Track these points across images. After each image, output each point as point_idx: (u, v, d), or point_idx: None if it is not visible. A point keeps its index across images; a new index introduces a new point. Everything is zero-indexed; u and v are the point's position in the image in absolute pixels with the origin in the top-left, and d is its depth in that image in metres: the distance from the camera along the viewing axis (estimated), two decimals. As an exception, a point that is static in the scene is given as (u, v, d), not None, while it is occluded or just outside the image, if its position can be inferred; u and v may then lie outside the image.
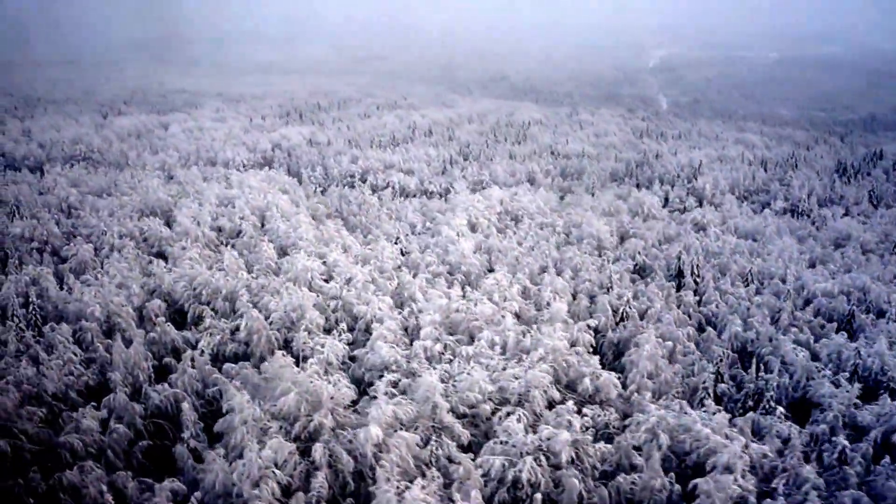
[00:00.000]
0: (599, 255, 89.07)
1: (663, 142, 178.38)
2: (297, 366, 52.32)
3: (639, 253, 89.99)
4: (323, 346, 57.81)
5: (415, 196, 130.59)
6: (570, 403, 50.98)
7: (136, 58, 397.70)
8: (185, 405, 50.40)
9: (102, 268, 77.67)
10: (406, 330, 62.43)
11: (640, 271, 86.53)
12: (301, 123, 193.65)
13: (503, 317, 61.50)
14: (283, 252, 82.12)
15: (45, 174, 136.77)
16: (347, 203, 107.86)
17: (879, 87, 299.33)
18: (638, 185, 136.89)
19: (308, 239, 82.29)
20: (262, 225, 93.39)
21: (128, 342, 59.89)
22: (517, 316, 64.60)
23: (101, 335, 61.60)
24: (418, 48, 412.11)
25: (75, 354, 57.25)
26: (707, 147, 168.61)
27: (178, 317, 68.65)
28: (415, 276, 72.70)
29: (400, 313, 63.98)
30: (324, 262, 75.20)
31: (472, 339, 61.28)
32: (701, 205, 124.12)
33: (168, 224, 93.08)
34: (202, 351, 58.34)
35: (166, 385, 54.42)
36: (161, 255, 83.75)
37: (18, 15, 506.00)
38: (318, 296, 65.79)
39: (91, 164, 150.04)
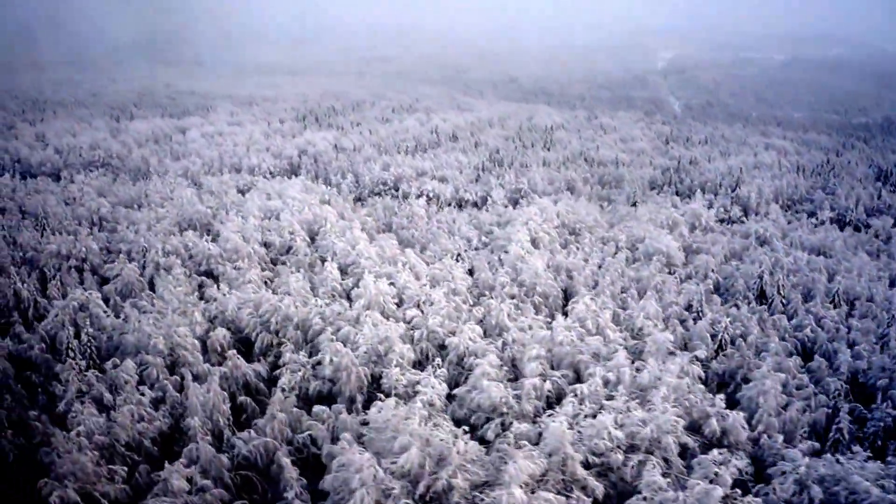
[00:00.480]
0: (671, 273, 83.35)
1: (691, 147, 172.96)
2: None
3: (712, 271, 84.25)
4: (418, 383, 51.78)
5: (449, 205, 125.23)
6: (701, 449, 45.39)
7: (138, 58, 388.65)
8: (282, 458, 44.22)
9: (153, 290, 71.16)
10: (501, 361, 56.30)
11: (717, 290, 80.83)
12: (319, 127, 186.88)
13: (615, 350, 55.42)
14: (342, 271, 75.66)
15: (68, 182, 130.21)
16: (392, 214, 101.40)
17: (890, 90, 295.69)
18: (678, 194, 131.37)
19: (370, 257, 75.81)
20: (313, 240, 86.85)
21: (199, 379, 53.66)
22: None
23: (165, 371, 55.18)
24: (423, 50, 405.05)
25: (143, 395, 50.78)
26: (738, 153, 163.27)
27: (243, 346, 62.25)
28: (499, 300, 66.29)
29: (492, 343, 57.79)
30: (391, 284, 68.88)
31: (577, 375, 55.47)
32: (746, 215, 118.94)
33: (213, 239, 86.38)
34: (284, 389, 52.08)
35: (251, 431, 48.08)
36: (209, 275, 77.24)
37: (16, 15, 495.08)
38: (399, 324, 59.41)
39: (111, 170, 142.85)
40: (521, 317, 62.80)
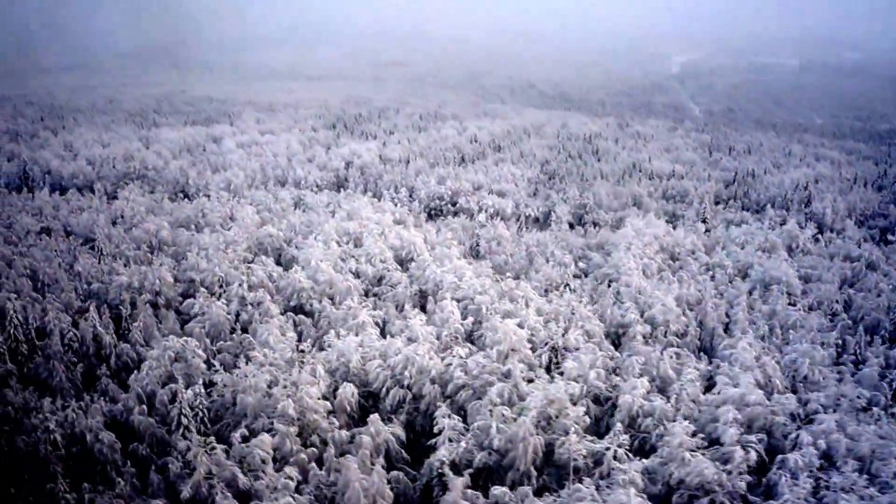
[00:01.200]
0: (792, 303, 75.06)
1: (738, 158, 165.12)
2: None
3: (835, 302, 76.03)
4: (602, 456, 43.17)
5: (507, 219, 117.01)
6: None
7: (146, 63, 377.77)
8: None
9: (245, 332, 62.06)
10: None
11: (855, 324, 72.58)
12: (351, 135, 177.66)
13: (815, 410, 47.07)
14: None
15: (103, 195, 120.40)
16: (474, 236, 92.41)
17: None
18: (745, 209, 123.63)
19: (484, 291, 66.79)
20: (404, 267, 77.76)
21: (339, 450, 44.75)
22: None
23: (297, 441, 46.18)
24: (435, 54, 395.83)
25: (290, 479, 41.73)
26: (790, 164, 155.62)
27: (368, 401, 53.36)
28: (657, 347, 57.57)
29: (667, 402, 49.18)
30: (520, 325, 60.05)
31: (770, 439, 47.08)
32: (821, 232, 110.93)
33: (286, 267, 77.16)
34: (441, 463, 43.24)
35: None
36: (301, 311, 68.07)
37: (20, 19, 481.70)
38: (557, 381, 50.56)
39: (146, 182, 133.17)
40: (682, 365, 54.14)
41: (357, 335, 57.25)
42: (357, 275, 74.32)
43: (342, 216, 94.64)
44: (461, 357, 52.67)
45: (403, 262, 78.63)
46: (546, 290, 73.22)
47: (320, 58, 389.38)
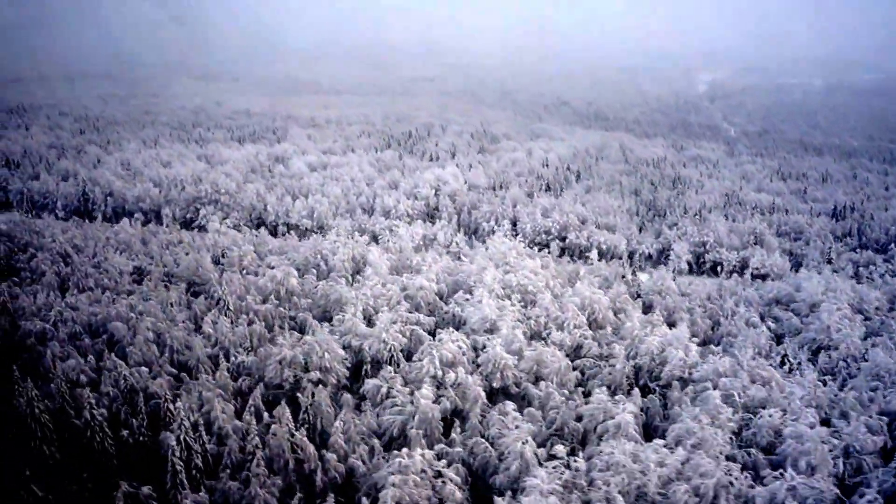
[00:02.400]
0: None
1: (819, 186, 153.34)
2: None
3: None
4: None
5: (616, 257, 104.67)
6: None
7: (171, 73, 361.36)
8: None
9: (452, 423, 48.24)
10: None
11: None
12: (411, 155, 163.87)
13: None
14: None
15: (201, 229, 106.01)
16: (632, 285, 79.11)
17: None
18: (863, 247, 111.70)
19: (724, 373, 53.41)
20: (596, 333, 64.03)
21: None
22: None
23: None
24: (462, 70, 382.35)
25: None
26: (874, 193, 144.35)
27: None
28: None
29: None
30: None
31: None
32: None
33: (458, 326, 63.30)
34: None
35: None
36: (505, 394, 54.44)
37: (42, 27, 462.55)
38: None
39: (220, 208, 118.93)
40: None
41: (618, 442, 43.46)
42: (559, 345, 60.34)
43: (483, 257, 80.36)
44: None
45: (591, 325, 64.94)
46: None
47: (345, 72, 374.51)
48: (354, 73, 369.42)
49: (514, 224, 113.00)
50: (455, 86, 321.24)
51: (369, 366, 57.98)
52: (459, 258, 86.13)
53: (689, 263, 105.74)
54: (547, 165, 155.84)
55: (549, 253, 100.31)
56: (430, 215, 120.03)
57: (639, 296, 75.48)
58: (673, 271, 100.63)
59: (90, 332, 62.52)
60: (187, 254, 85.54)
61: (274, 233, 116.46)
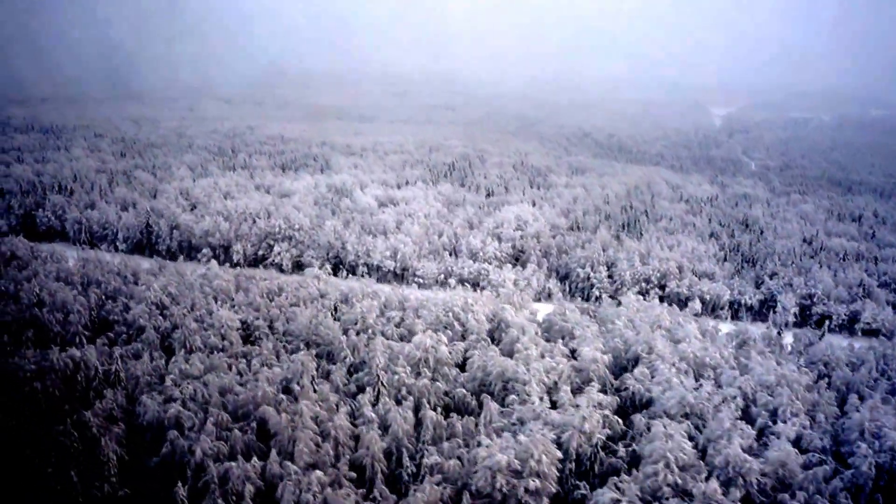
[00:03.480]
0: None
1: (881, 229, 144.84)
2: None
3: None
4: None
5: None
6: None
7: (191, 92, 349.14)
8: None
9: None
10: None
11: None
12: (466, 188, 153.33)
13: None
14: None
15: (278, 268, 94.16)
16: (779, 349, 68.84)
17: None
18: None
19: None
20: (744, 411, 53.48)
21: None
22: None
23: None
24: (481, 99, 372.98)
25: None
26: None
27: None
28: None
29: None
30: None
31: None
32: None
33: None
34: None
35: None
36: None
37: (67, 49, 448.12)
38: None
39: (296, 245, 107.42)
40: None
41: None
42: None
43: (639, 321, 69.46)
44: None
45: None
46: None
47: (365, 98, 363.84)
48: (374, 100, 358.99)
49: (609, 270, 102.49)
50: (476, 115, 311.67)
51: (573, 463, 46.98)
52: (592, 316, 75.33)
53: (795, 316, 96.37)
54: (608, 202, 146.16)
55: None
56: (516, 258, 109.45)
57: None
58: (778, 325, 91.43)
59: (232, 416, 50.91)
60: (294, 305, 74.24)
61: (352, 273, 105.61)
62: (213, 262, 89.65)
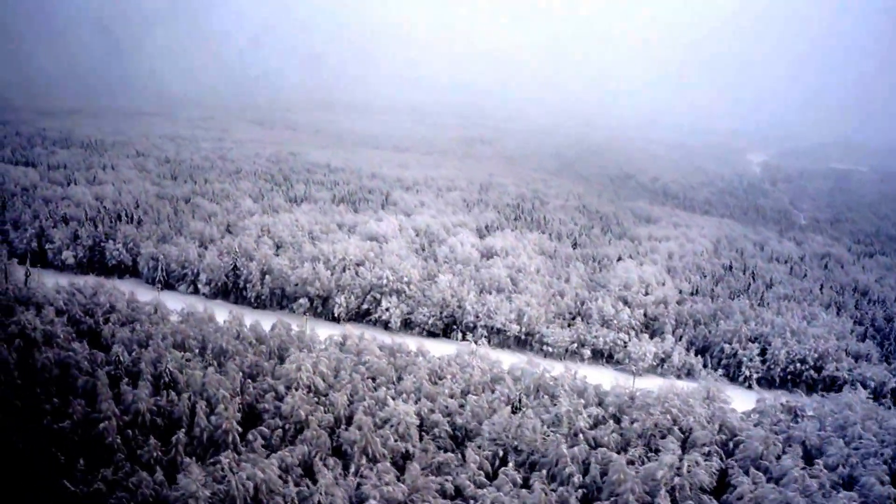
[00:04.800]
0: None
1: None
2: None
3: None
4: None
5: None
6: None
7: (216, 111, 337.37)
8: None
9: None
10: None
11: None
12: (548, 236, 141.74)
13: None
14: None
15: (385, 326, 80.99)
16: None
17: None
18: None
19: None
20: None
21: None
22: None
23: None
24: (511, 132, 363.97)
25: None
26: None
27: None
28: None
29: None
30: None
31: None
32: None
33: None
34: None
35: None
36: None
37: (92, 62, 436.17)
38: None
39: (405, 301, 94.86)
40: None
41: None
42: None
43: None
44: None
45: None
46: None
47: (397, 127, 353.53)
48: (406, 129, 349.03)
49: (762, 350, 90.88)
50: (513, 150, 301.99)
51: None
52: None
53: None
54: (709, 261, 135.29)
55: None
56: (648, 326, 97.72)
57: None
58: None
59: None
60: (466, 392, 61.69)
61: (467, 334, 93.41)
62: (350, 326, 77.04)
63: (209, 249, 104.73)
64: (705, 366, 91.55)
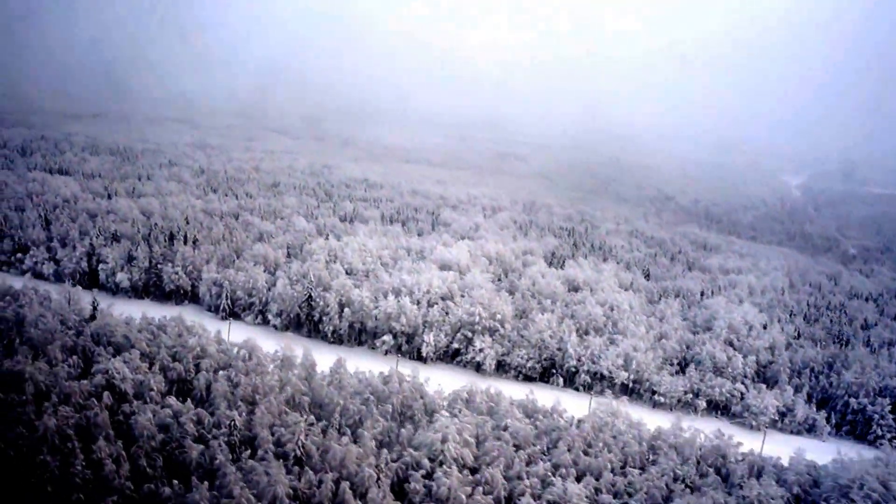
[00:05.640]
0: None
1: None
2: None
3: None
4: None
5: None
6: None
7: (247, 122, 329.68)
8: None
9: None
10: None
11: None
12: (601, 257, 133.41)
13: None
14: None
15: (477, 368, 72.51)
16: None
17: None
18: None
19: None
20: None
21: None
22: None
23: None
24: (541, 148, 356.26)
25: None
26: None
27: None
28: None
29: None
30: None
31: None
32: None
33: None
34: None
35: None
36: None
37: (113, 69, 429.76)
38: None
39: (499, 341, 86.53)
40: None
41: None
42: None
43: None
44: None
45: None
46: None
47: (427, 140, 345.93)
48: (436, 142, 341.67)
49: (880, 393, 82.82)
50: (547, 168, 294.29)
51: None
52: None
53: None
54: (789, 297, 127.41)
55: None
56: (757, 373, 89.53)
57: None
58: None
59: None
60: (627, 466, 53.46)
61: (565, 382, 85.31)
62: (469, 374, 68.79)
63: (277, 276, 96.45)
64: (828, 421, 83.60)
